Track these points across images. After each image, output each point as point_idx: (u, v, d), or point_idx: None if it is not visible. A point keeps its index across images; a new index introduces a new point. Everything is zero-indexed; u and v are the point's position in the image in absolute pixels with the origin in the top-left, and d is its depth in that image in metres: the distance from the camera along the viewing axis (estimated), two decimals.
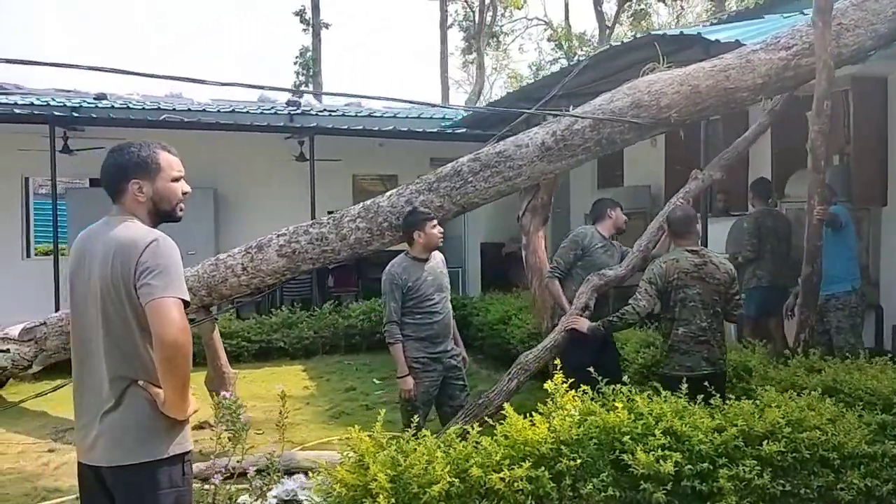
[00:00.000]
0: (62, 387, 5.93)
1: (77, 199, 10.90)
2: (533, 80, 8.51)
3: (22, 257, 11.19)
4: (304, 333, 9.46)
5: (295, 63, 30.68)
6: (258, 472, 4.76)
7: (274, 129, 11.52)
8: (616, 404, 3.28)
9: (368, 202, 5.58)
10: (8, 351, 6.99)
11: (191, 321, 2.65)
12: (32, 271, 11.14)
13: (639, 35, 6.99)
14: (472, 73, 34.19)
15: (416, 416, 4.05)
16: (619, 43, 6.71)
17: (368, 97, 11.51)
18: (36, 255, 11.84)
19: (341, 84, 47.71)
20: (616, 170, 11.46)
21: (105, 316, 2.27)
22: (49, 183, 10.32)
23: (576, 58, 28.73)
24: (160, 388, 2.30)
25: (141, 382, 2.30)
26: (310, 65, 29.28)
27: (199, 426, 6.15)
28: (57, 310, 9.75)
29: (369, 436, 3.23)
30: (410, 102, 11.13)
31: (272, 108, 12.80)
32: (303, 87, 29.17)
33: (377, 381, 7.81)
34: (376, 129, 11.75)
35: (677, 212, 4.63)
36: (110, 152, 2.48)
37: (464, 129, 12.07)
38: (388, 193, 5.51)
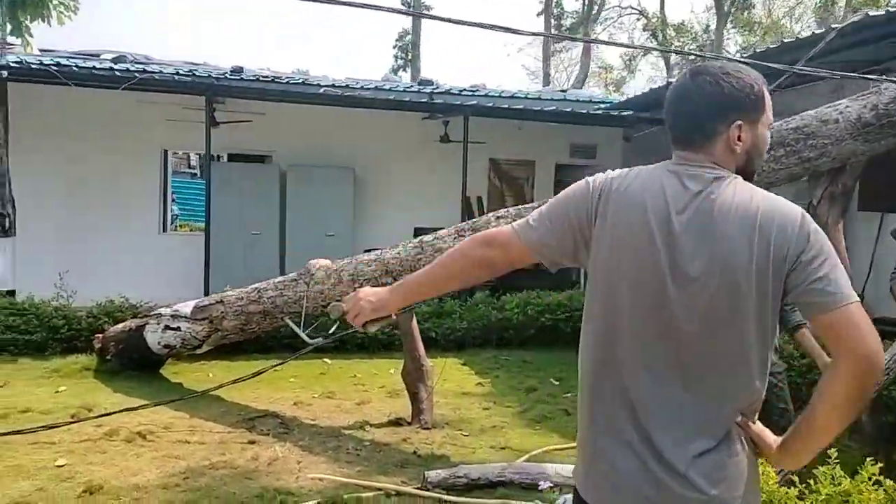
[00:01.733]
0: (261, 373, 5.44)
1: (219, 174, 10.56)
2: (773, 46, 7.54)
3: (158, 231, 10.93)
4: (456, 324, 8.86)
5: (394, 47, 30.37)
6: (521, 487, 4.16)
7: (422, 108, 10.92)
8: None
9: None
10: (178, 329, 6.59)
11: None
12: (170, 246, 10.90)
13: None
14: (563, 61, 33.28)
15: None
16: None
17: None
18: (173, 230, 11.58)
19: (438, 69, 47.28)
20: None
21: (717, 311, 1.57)
22: (187, 156, 10.01)
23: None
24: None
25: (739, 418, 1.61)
26: (408, 48, 28.86)
27: (396, 422, 5.61)
28: (206, 287, 9.42)
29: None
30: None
31: (412, 86, 12.24)
32: (399, 71, 28.83)
33: (555, 382, 7.14)
34: (538, 109, 10.97)
35: None
36: (692, 76, 1.71)
37: (629, 112, 11.23)
38: None
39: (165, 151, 11.07)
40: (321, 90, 10.13)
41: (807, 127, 4.25)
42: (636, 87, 27.22)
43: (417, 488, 4.19)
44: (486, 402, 6.38)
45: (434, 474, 4.21)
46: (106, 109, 10.19)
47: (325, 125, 11.14)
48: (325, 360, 7.83)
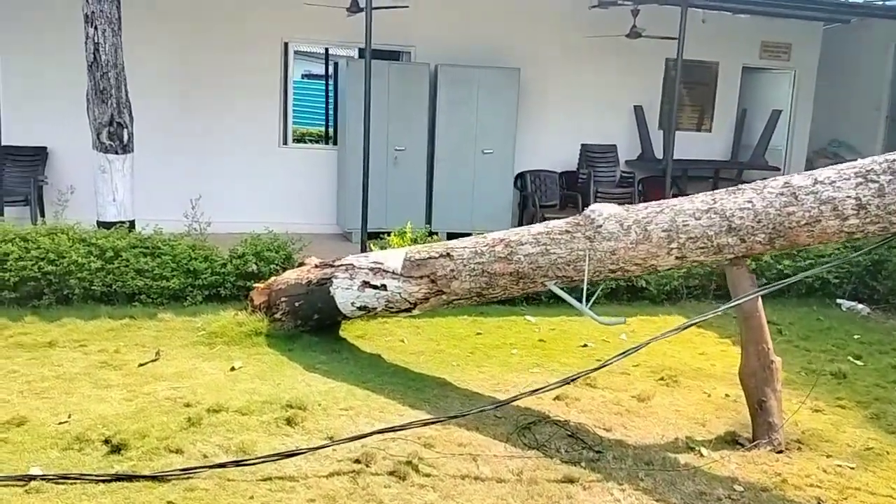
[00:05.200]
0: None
1: (350, 72, 8.71)
2: None
3: (279, 144, 9.19)
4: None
5: None
6: None
7: None
8: None
9: None
10: (382, 288, 4.95)
11: None
12: (292, 161, 9.21)
13: None
14: None
15: None
16: None
17: None
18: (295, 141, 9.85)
19: None
20: None
21: None
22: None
23: None
24: None
25: None
26: None
27: (733, 440, 3.99)
28: (339, 214, 7.75)
29: None
30: None
31: None
32: None
33: (857, 361, 5.45)
34: None
35: None
36: None
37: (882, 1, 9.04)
38: None
39: (286, 44, 9.17)
40: None
41: None
42: None
43: None
44: (794, 393, 4.68)
45: None
46: None
47: (481, 15, 9.16)
48: (527, 317, 6.24)
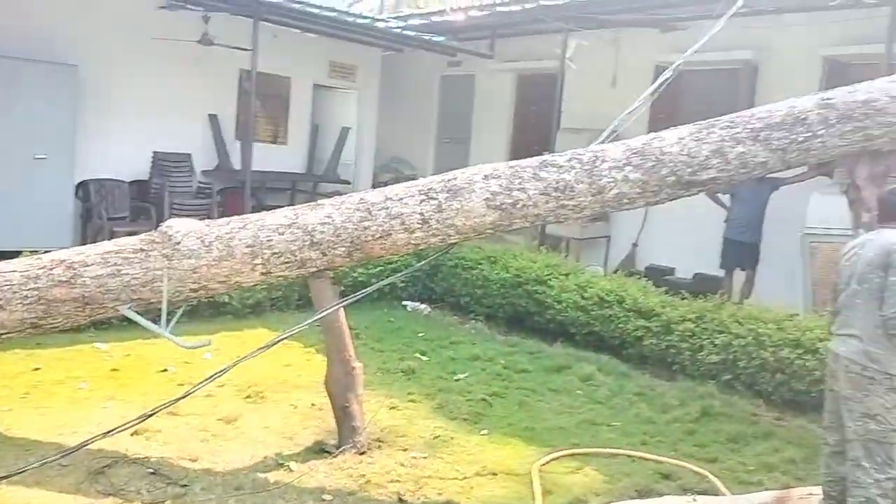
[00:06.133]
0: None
1: None
2: None
3: None
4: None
5: None
6: None
7: None
8: None
9: (639, 143, 3.96)
10: None
11: None
12: None
13: None
14: None
15: None
16: None
17: None
18: None
19: None
20: None
21: None
22: None
23: None
24: None
25: None
26: None
27: (321, 448, 4.11)
28: None
29: None
30: None
31: None
32: None
33: (422, 356, 6.08)
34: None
35: None
36: None
37: (429, 36, 10.02)
38: (674, 134, 3.95)
39: None
40: None
41: (875, 101, 3.80)
42: None
43: None
44: (373, 394, 5.03)
45: None
46: None
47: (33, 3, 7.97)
48: (97, 344, 5.62)
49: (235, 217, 4.20)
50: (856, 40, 7.37)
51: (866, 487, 3.27)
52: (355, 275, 7.10)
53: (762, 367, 5.40)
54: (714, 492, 3.95)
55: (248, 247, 3.94)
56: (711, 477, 4.08)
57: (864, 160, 4.02)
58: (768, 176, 4.61)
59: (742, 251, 7.45)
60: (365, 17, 10.55)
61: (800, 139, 3.83)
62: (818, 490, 3.65)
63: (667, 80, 4.84)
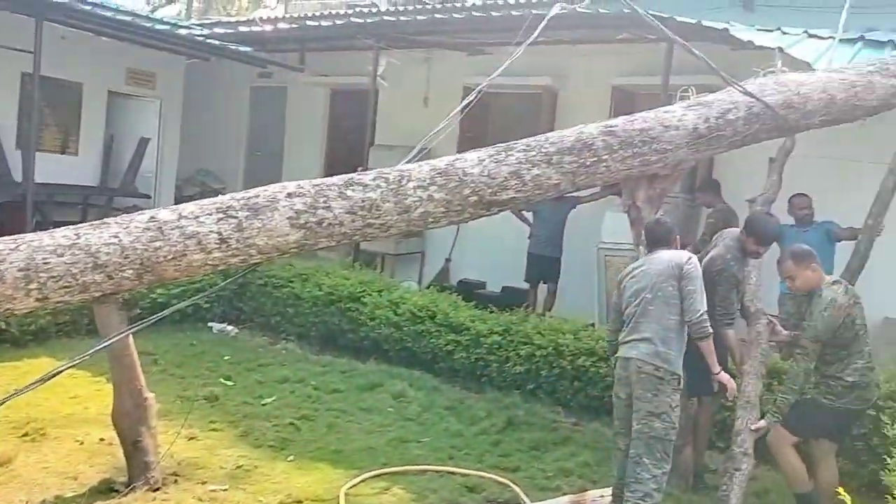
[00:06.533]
0: None
1: None
2: None
3: None
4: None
5: None
6: None
7: None
8: None
9: (443, 163, 4.05)
10: None
11: None
12: None
13: None
14: None
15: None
16: None
17: None
18: None
19: None
20: None
21: None
22: None
23: None
24: None
25: None
26: None
27: (109, 488, 3.80)
28: None
29: None
30: None
31: None
32: None
33: (227, 382, 5.80)
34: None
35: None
36: None
37: (235, 46, 9.56)
38: (475, 156, 4.07)
39: None
40: None
41: (651, 130, 4.15)
42: None
43: None
44: (170, 424, 4.71)
45: None
46: None
47: None
48: None
49: (7, 237, 3.77)
50: (640, 71, 8.05)
51: (644, 482, 3.55)
52: (154, 296, 6.65)
53: (561, 375, 5.71)
54: (516, 501, 4.09)
55: (20, 270, 3.51)
56: (514, 487, 4.22)
57: (642, 183, 4.40)
58: (567, 195, 4.93)
59: (544, 265, 7.85)
60: (165, 23, 10.00)
61: (587, 163, 4.09)
62: (610, 492, 3.90)
63: (470, 102, 4.99)
